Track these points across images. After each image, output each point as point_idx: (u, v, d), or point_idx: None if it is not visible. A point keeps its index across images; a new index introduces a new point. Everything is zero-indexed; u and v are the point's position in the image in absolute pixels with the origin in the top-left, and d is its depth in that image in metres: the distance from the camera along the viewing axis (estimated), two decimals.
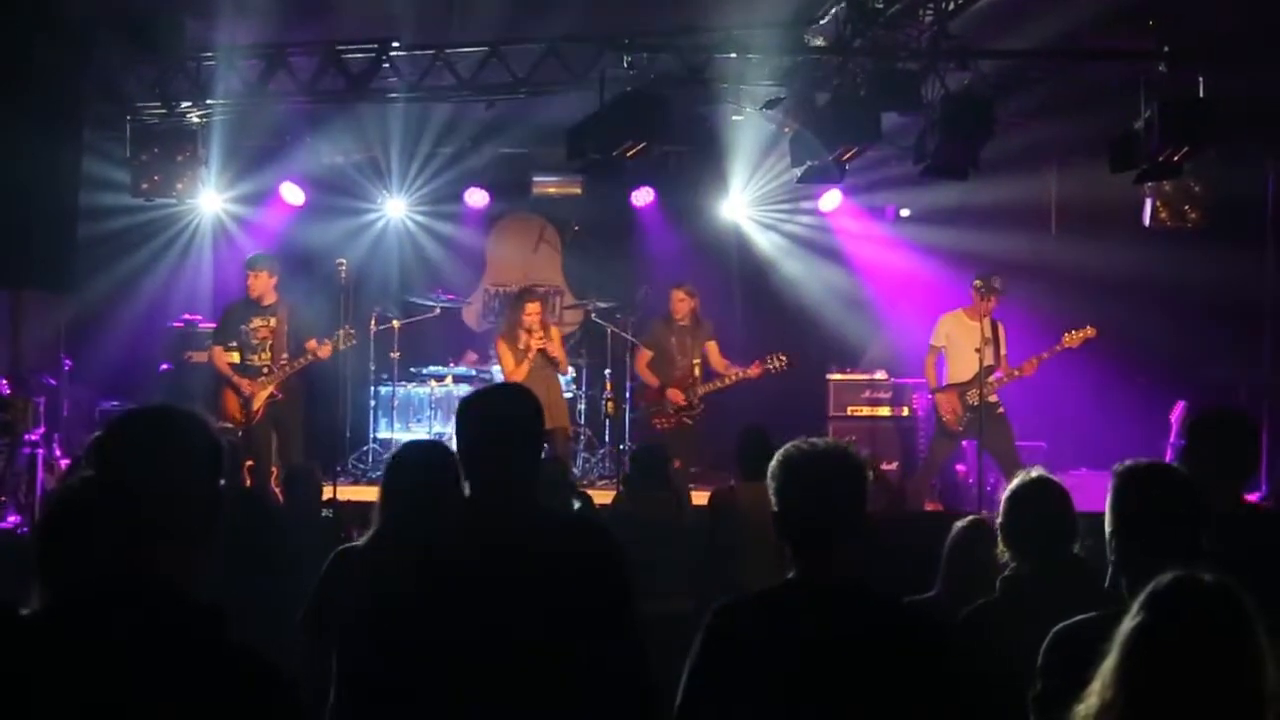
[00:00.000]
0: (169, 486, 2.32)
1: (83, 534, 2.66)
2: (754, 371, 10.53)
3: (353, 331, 9.94)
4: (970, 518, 4.65)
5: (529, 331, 9.87)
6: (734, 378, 10.56)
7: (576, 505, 7.41)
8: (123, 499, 2.32)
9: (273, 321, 9.76)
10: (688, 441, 10.28)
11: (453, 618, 3.13)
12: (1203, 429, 4.25)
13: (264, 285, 9.79)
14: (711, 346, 10.59)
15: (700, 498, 8.10)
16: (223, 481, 2.44)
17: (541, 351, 9.88)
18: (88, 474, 2.57)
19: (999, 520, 3.74)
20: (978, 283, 9.81)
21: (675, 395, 10.37)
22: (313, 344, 9.66)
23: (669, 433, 10.40)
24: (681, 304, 10.48)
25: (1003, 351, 9.88)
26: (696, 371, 10.46)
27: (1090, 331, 9.70)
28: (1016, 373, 9.78)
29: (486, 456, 3.24)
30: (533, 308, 9.97)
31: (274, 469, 9.46)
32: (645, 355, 10.59)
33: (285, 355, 9.72)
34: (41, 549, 2.76)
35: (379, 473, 11.77)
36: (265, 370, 9.71)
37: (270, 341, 9.73)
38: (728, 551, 6.92)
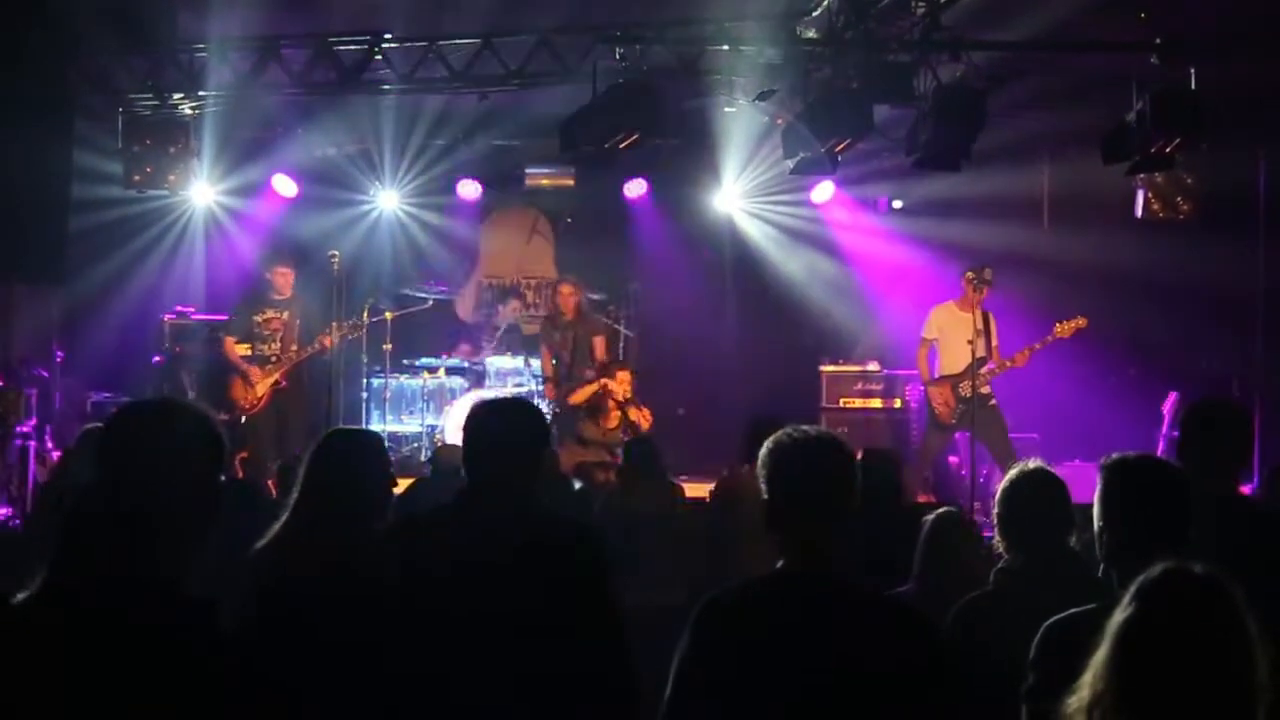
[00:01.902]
0: (171, 482, 2.32)
1: (88, 529, 2.66)
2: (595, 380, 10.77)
3: (360, 323, 10.08)
4: (941, 510, 4.59)
5: (626, 401, 9.91)
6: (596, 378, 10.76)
7: (578, 485, 7.45)
8: (124, 494, 2.31)
9: (285, 315, 9.90)
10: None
11: (426, 615, 3.19)
12: (1196, 420, 4.25)
13: (289, 281, 9.93)
14: (599, 342, 10.62)
15: None
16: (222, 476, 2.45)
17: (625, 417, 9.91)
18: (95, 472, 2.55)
19: (995, 511, 3.73)
20: (969, 274, 9.83)
21: (548, 391, 10.42)
22: (324, 336, 9.82)
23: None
24: (567, 300, 10.51)
25: (994, 343, 9.89)
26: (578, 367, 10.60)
27: (1081, 322, 9.72)
28: (1009, 364, 9.80)
29: (483, 465, 3.43)
30: (623, 375, 10.06)
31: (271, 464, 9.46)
32: (545, 353, 10.70)
33: (294, 346, 9.83)
34: (56, 545, 2.76)
35: None
36: (273, 359, 9.82)
37: (281, 333, 9.86)
38: (731, 537, 6.94)
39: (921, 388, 10.43)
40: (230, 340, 10.02)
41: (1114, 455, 3.14)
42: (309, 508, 3.89)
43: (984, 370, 9.70)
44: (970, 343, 9.53)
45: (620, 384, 9.93)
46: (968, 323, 9.66)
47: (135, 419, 2.42)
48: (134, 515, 2.29)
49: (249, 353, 9.89)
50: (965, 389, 9.68)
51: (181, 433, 2.37)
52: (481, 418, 3.54)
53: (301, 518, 3.89)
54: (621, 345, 12.33)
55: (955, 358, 9.87)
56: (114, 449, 2.37)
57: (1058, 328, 9.75)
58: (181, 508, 2.33)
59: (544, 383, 10.75)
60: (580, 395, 10.04)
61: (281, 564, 3.78)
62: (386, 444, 12.16)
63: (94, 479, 2.39)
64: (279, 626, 3.28)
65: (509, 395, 3.75)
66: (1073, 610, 2.89)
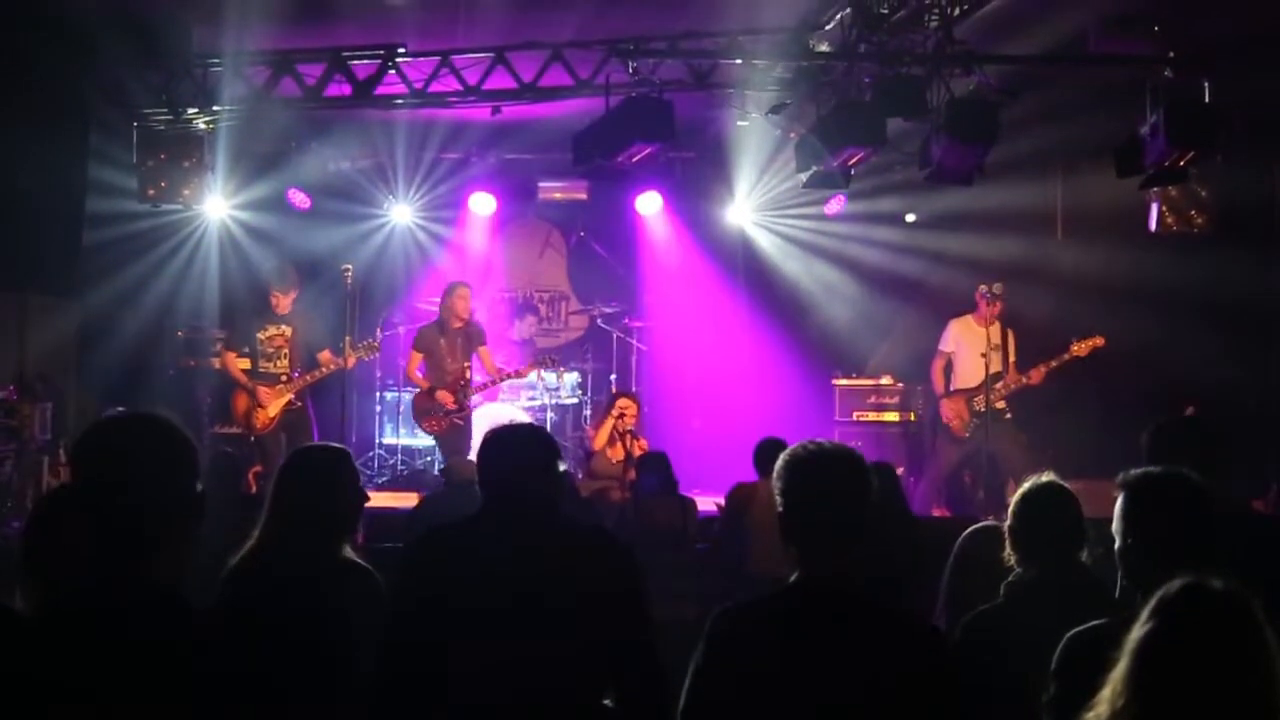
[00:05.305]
0: (141, 491, 2.34)
1: (65, 539, 2.68)
2: (525, 370, 10.81)
3: (375, 344, 10.05)
4: (975, 526, 4.54)
5: (625, 432, 9.80)
6: (503, 376, 10.73)
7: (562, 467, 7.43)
8: (99, 504, 2.34)
9: (287, 331, 9.80)
10: (460, 442, 10.27)
11: (457, 622, 3.28)
12: (1156, 441, 4.19)
13: (290, 301, 9.83)
14: (484, 352, 10.54)
15: None
16: (201, 485, 2.45)
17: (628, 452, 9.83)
18: (69, 482, 2.60)
19: (1007, 524, 3.72)
20: (983, 288, 9.81)
21: (444, 397, 10.28)
22: (326, 354, 9.75)
23: (441, 435, 10.40)
24: (465, 303, 10.39)
25: (1012, 359, 9.86)
26: (467, 375, 10.43)
27: (1099, 340, 9.67)
28: (1024, 380, 9.77)
29: (505, 485, 3.54)
30: (629, 407, 9.95)
31: None
32: (415, 359, 10.50)
33: (301, 364, 9.76)
34: (27, 553, 2.78)
35: (384, 478, 11.84)
36: (284, 378, 9.73)
37: (286, 350, 9.77)
38: (744, 541, 6.95)
39: (937, 401, 10.41)
40: (231, 356, 9.87)
41: (1135, 471, 3.11)
42: (276, 525, 3.90)
43: (999, 385, 9.67)
44: (984, 356, 9.51)
45: (628, 417, 9.88)
46: (984, 337, 9.64)
47: (101, 434, 2.45)
48: (106, 524, 2.32)
49: (249, 366, 9.77)
50: (979, 403, 9.65)
51: (148, 442, 2.40)
52: (494, 446, 3.62)
53: (268, 535, 3.90)
54: (634, 359, 12.33)
55: (971, 372, 9.85)
56: (82, 463, 2.41)
57: (1075, 346, 9.71)
58: (158, 515, 2.35)
59: (424, 392, 10.39)
60: (601, 437, 9.97)
61: (245, 580, 3.79)
62: (400, 457, 12.16)
63: (71, 490, 2.43)
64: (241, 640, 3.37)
65: (519, 422, 3.96)
66: (1096, 622, 2.88)
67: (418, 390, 10.56)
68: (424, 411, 10.47)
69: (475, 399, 11.05)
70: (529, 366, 10.89)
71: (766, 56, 9.18)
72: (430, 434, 10.61)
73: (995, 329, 9.74)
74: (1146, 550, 2.99)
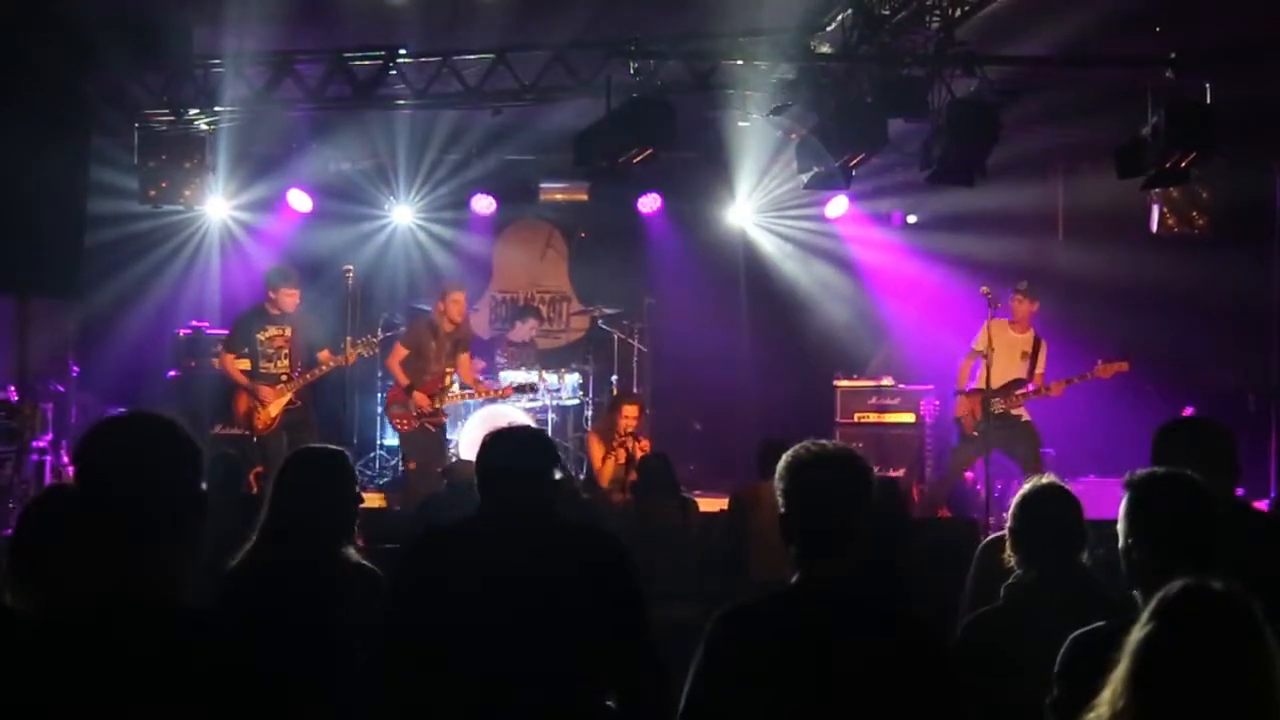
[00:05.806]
0: (145, 491, 2.34)
1: (65, 539, 2.68)
2: (507, 392, 10.76)
3: (375, 340, 10.01)
4: (996, 534, 4.48)
5: (627, 435, 9.79)
6: (484, 393, 10.67)
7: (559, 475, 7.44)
8: (101, 503, 2.34)
9: (288, 331, 9.75)
10: (426, 446, 10.21)
11: (453, 622, 3.31)
12: (1159, 442, 4.19)
13: (294, 301, 9.78)
14: (464, 358, 10.44)
15: None
16: (204, 485, 2.45)
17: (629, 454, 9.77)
18: (68, 483, 2.60)
19: (1008, 525, 3.72)
20: (984, 290, 9.80)
21: (421, 400, 10.14)
22: (325, 354, 9.73)
23: (407, 434, 10.30)
24: (455, 306, 10.32)
25: (1039, 369, 9.84)
26: (448, 380, 10.31)
27: (1123, 365, 9.66)
28: (1045, 391, 9.77)
29: (503, 487, 3.56)
30: (630, 410, 9.92)
31: None
32: (400, 352, 10.32)
33: (301, 363, 9.73)
34: (15, 553, 2.78)
35: (385, 479, 11.81)
36: (284, 378, 9.70)
37: (286, 350, 9.72)
38: (746, 546, 6.95)
39: (935, 402, 10.39)
40: (230, 357, 9.79)
41: (1140, 471, 3.11)
42: (276, 525, 3.91)
43: (1019, 392, 9.68)
44: (984, 356, 9.50)
45: (629, 419, 9.85)
46: (1015, 343, 9.67)
47: (105, 435, 2.45)
48: (109, 526, 2.32)
49: (248, 367, 9.73)
50: (996, 405, 9.63)
51: (152, 443, 2.40)
52: (492, 448, 3.63)
53: (268, 535, 3.91)
54: (635, 360, 12.33)
55: (994, 374, 9.83)
56: (86, 464, 2.41)
57: (1099, 367, 9.71)
58: (162, 517, 2.35)
59: (401, 388, 10.19)
60: (606, 470, 9.95)
61: (245, 580, 3.80)
62: (400, 459, 12.11)
63: (70, 490, 2.43)
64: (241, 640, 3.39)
65: (518, 425, 3.98)
66: (1100, 624, 2.88)
67: (394, 384, 10.50)
68: (397, 406, 10.36)
69: (472, 401, 11.04)
70: (509, 388, 10.81)
71: (767, 57, 9.18)
72: (397, 430, 10.52)
73: (1028, 336, 9.78)
74: (1149, 550, 2.98)
